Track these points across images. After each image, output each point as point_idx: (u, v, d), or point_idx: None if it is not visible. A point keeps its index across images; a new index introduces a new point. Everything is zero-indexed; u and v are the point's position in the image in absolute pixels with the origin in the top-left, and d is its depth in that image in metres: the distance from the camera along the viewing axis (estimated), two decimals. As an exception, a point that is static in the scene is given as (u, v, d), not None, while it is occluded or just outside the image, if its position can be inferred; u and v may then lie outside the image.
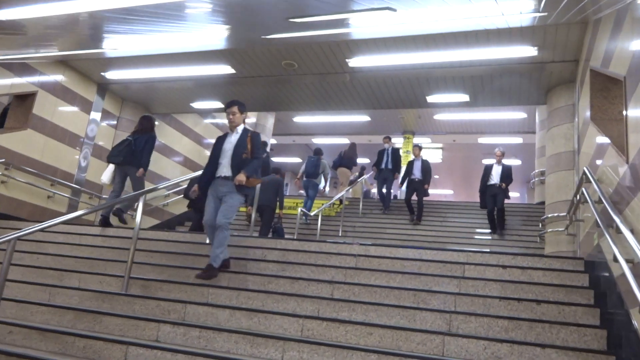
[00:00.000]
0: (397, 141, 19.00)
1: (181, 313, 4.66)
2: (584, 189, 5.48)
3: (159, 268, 5.71)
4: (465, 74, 8.24)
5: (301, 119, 18.37)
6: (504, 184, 9.98)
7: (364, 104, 10.03)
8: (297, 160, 22.99)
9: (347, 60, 8.30)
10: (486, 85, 8.60)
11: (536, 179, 13.25)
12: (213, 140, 6.25)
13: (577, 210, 6.53)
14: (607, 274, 4.62)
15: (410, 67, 8.29)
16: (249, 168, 5.40)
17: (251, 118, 16.28)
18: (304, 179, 11.87)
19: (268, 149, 12.84)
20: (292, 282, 5.19)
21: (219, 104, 11.05)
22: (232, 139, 5.60)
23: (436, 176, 23.62)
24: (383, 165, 11.95)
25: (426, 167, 11.27)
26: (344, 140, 19.52)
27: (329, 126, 18.74)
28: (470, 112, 15.80)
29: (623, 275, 3.95)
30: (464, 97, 9.14)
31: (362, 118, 17.52)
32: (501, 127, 16.73)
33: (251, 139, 5.57)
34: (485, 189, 10.24)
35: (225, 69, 9.11)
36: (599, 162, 5.46)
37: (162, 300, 4.79)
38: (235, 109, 5.65)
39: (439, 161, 20.80)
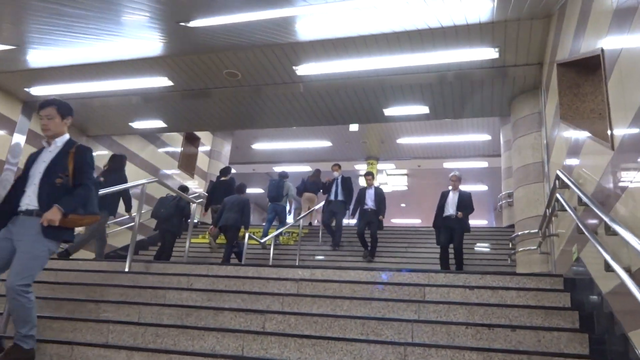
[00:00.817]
0: (361, 167, 18.36)
1: (66, 358, 3.63)
2: (558, 195, 4.74)
3: (54, 303, 4.66)
4: (423, 81, 7.58)
5: (260, 145, 17.56)
6: (460, 213, 8.08)
7: (318, 119, 9.27)
8: (259, 190, 22.03)
9: (294, 67, 7.55)
10: (446, 94, 7.95)
11: (503, 201, 12.64)
12: (164, 168, 5.20)
13: (550, 224, 5.79)
14: (592, 292, 3.82)
15: (364, 75, 7.59)
16: (68, 201, 3.57)
17: (205, 145, 15.38)
18: (269, 203, 11.28)
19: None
20: (215, 314, 4.21)
21: (160, 124, 10.11)
22: (46, 157, 3.76)
23: (402, 204, 22.99)
24: (332, 196, 10.26)
25: (380, 196, 9.50)
26: (306, 168, 18.73)
27: (290, 153, 17.98)
28: (434, 135, 15.33)
29: (617, 289, 3.16)
30: (423, 109, 8.47)
31: (324, 144, 16.84)
32: (466, 150, 16.27)
33: (76, 155, 3.75)
34: (441, 222, 8.27)
35: (162, 81, 8.25)
36: (572, 163, 4.75)
37: (46, 342, 3.75)
38: (51, 110, 3.80)
39: (405, 188, 20.18)
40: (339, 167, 10.79)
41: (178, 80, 8.24)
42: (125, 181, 7.31)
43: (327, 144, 16.74)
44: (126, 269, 5.74)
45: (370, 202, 9.41)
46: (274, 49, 7.17)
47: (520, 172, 7.34)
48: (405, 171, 19.10)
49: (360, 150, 17.32)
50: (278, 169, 19.31)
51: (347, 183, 10.49)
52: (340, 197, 10.14)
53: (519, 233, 7.06)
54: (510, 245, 7.51)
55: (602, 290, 3.53)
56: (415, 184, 20.16)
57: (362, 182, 18.50)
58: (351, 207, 10.05)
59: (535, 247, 6.68)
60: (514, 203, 7.77)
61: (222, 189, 10.44)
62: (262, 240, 9.04)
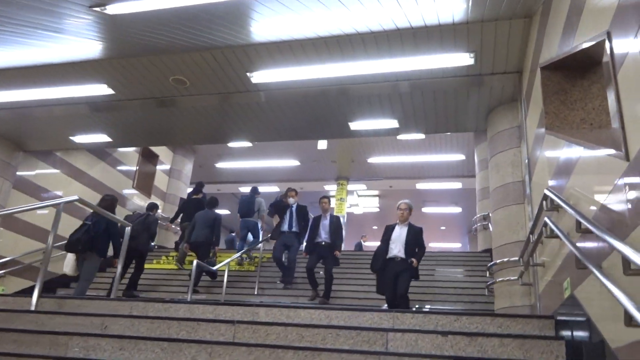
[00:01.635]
0: (331, 188, 17.57)
1: None
2: (547, 219, 3.97)
3: None
4: (391, 90, 6.83)
5: (225, 164, 16.65)
6: (415, 261, 6.38)
7: (279, 134, 8.43)
8: (225, 211, 21.00)
9: (248, 74, 6.73)
10: (417, 106, 7.21)
11: (478, 224, 11.93)
12: (117, 187, 4.29)
13: (534, 252, 5.02)
14: (594, 341, 3.02)
15: (327, 83, 6.81)
16: None
17: (164, 164, 14.39)
18: (240, 219, 11.00)
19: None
20: (121, 371, 3.28)
21: (104, 137, 9.14)
22: None
23: (374, 227, 22.22)
24: (286, 227, 8.66)
25: (336, 227, 8.01)
26: (274, 188, 17.88)
27: (256, 172, 17.11)
28: (406, 155, 14.70)
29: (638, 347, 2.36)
30: (392, 123, 7.71)
31: (292, 163, 16.04)
32: (439, 170, 15.64)
33: None
34: (384, 265, 6.57)
35: (101, 89, 7.32)
36: (563, 181, 4.00)
37: None
38: None
39: (376, 209, 19.43)
40: (296, 193, 9.25)
41: (119, 88, 7.33)
42: (113, 225, 6.79)
43: (294, 163, 15.93)
44: (32, 307, 4.74)
45: (324, 234, 7.98)
46: (224, 52, 6.35)
47: (499, 193, 6.60)
48: (376, 192, 18.38)
49: (329, 170, 16.55)
50: (244, 189, 18.40)
51: (303, 212, 9.04)
52: (294, 228, 8.63)
53: (498, 261, 6.28)
54: (488, 274, 6.73)
55: (611, 342, 2.73)
56: (387, 206, 19.43)
57: (331, 203, 17.77)
58: (305, 240, 8.64)
59: (515, 278, 5.90)
60: (492, 227, 7.00)
61: (194, 207, 10.09)
62: (214, 269, 8.08)
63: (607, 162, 2.79)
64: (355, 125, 7.85)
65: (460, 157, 14.40)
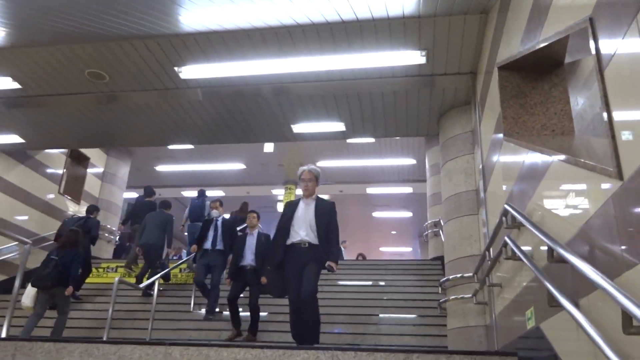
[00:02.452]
0: (279, 192, 16.90)
1: None
2: (508, 240, 3.45)
3: None
4: (337, 91, 6.24)
5: (165, 167, 15.67)
6: (333, 266, 4.79)
7: (215, 137, 7.68)
8: (168, 217, 19.89)
9: (176, 68, 5.97)
10: (365, 109, 6.65)
11: (429, 231, 11.55)
12: (40, 193, 3.48)
13: (491, 271, 4.53)
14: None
15: (265, 81, 6.14)
16: None
17: (96, 167, 13.29)
18: (189, 223, 10.48)
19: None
20: None
21: (16, 139, 8.11)
22: None
23: (325, 232, 21.66)
24: (209, 245, 7.20)
25: (266, 246, 6.43)
26: (219, 193, 17.03)
27: (199, 176, 16.21)
28: (355, 158, 14.23)
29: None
30: (339, 126, 7.12)
31: (237, 166, 15.27)
32: (390, 175, 15.27)
33: None
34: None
35: (6, 83, 6.37)
36: (524, 195, 3.49)
37: None
38: None
39: (327, 215, 18.86)
40: (221, 204, 7.76)
41: (27, 82, 6.40)
42: (80, 259, 6.55)
43: (240, 166, 15.17)
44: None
45: (249, 256, 6.52)
46: (146, 42, 5.57)
47: (451, 202, 6.11)
48: (326, 197, 17.75)
49: (277, 174, 15.87)
50: (188, 193, 17.46)
51: (231, 228, 7.55)
52: (219, 246, 7.18)
53: (450, 277, 5.78)
54: (440, 290, 6.22)
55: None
56: (337, 210, 18.86)
57: (280, 208, 17.07)
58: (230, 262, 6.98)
59: (470, 296, 5.42)
60: (443, 238, 6.51)
61: (146, 210, 9.54)
62: (142, 285, 7.24)
63: (588, 177, 2.26)
64: (298, 128, 7.21)
65: (411, 161, 14.07)
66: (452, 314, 5.81)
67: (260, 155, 14.27)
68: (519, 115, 4.17)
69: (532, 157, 3.25)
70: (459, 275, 5.66)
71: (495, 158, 4.67)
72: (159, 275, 7.21)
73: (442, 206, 6.39)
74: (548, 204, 2.95)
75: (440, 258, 10.56)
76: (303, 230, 4.81)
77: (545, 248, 2.68)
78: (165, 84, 6.32)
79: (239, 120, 7.05)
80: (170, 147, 13.70)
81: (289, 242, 4.82)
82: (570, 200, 2.57)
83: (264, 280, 5.78)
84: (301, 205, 5.04)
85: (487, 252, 4.45)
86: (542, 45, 3.47)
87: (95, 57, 5.86)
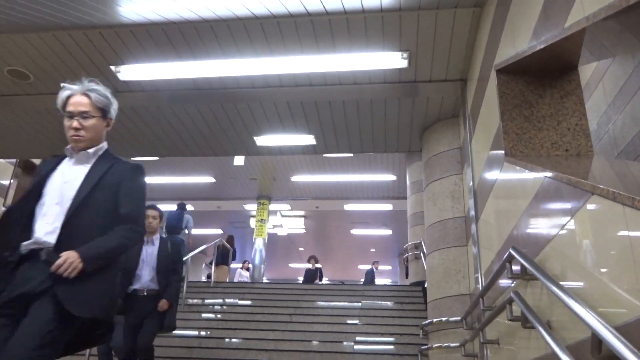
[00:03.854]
0: (251, 208, 15.92)
1: None
2: (515, 298, 2.56)
3: None
4: (305, 99, 5.35)
5: (129, 179, 14.54)
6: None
7: (166, 149, 6.71)
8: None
9: (113, 68, 5.03)
10: (338, 120, 5.77)
11: (410, 253, 10.69)
12: None
13: (487, 324, 3.63)
14: None
15: (219, 84, 5.23)
16: None
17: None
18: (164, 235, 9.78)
19: None
20: None
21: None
22: None
23: (301, 248, 20.72)
24: (138, 283, 4.45)
25: (172, 257, 4.58)
26: (188, 207, 15.91)
27: (166, 189, 15.13)
28: (332, 174, 13.36)
29: None
30: (308, 139, 6.22)
31: (206, 179, 14.23)
32: (368, 191, 14.43)
33: None
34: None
35: None
36: (541, 237, 2.62)
37: None
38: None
39: (302, 231, 17.92)
40: (160, 215, 4.77)
41: (-63, 81, 5.38)
42: None
43: (209, 179, 14.15)
44: None
45: (146, 276, 4.40)
46: (74, 37, 4.62)
47: (436, 230, 5.23)
48: (302, 212, 16.87)
49: (249, 188, 14.89)
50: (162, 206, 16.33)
51: (176, 250, 4.71)
52: (152, 284, 4.43)
53: (434, 320, 4.89)
54: (421, 334, 5.32)
55: None
56: (314, 227, 18.00)
57: (253, 223, 16.12)
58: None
59: (457, 345, 4.53)
60: (427, 272, 5.62)
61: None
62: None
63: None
64: (262, 141, 6.28)
65: (391, 177, 13.26)
66: (435, 363, 4.91)
67: (230, 168, 13.31)
68: (523, 130, 3.33)
69: (553, 187, 2.38)
70: (443, 319, 4.77)
71: (491, 181, 3.81)
72: None
73: (425, 234, 5.51)
74: (578, 257, 2.08)
75: (421, 283, 9.72)
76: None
77: (584, 335, 1.79)
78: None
79: (192, 131, 6.10)
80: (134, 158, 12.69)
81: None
82: (622, 259, 1.70)
83: (164, 305, 4.31)
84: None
85: (481, 300, 3.57)
86: (551, 42, 2.64)
87: (16, 53, 4.89)
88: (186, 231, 10.63)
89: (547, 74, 3.42)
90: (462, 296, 4.75)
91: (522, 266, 2.51)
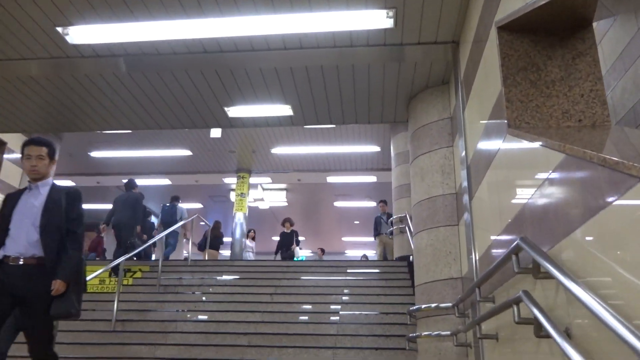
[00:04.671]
0: (231, 181, 15.40)
1: None
2: (525, 299, 2.13)
3: None
4: (280, 64, 4.80)
5: (102, 153, 13.90)
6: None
7: (130, 122, 6.13)
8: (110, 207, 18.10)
9: (60, 30, 4.41)
10: (316, 87, 5.24)
11: (394, 227, 10.33)
12: None
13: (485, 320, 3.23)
14: None
15: (183, 48, 4.65)
16: None
17: (16, 152, 11.45)
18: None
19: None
20: None
21: None
22: None
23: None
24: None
25: (69, 211, 3.27)
26: (165, 181, 15.43)
27: (141, 163, 14.52)
28: (314, 145, 12.86)
29: None
30: (285, 110, 5.69)
31: (182, 152, 13.63)
32: (352, 163, 13.99)
33: None
34: None
35: None
36: (557, 228, 2.17)
37: None
38: None
39: (284, 204, 17.49)
40: (51, 156, 3.39)
41: None
42: None
43: (186, 152, 13.55)
44: None
45: (22, 236, 3.14)
46: (9, -9, 4.00)
47: (424, 208, 4.80)
48: (283, 185, 16.40)
49: (228, 161, 14.34)
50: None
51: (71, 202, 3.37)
52: (36, 251, 3.19)
53: (422, 306, 4.49)
54: (410, 321, 4.93)
55: None
56: (296, 200, 17.57)
57: (233, 197, 15.60)
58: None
59: (448, 333, 4.16)
60: (414, 253, 5.20)
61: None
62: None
63: None
64: (234, 112, 5.74)
65: (375, 148, 12.82)
66: (423, 353, 4.54)
67: (207, 141, 12.72)
68: (529, 98, 2.86)
69: (578, 167, 1.92)
70: (433, 305, 4.37)
71: (489, 155, 3.36)
72: (127, 255, 7.41)
73: (412, 212, 5.07)
74: (613, 256, 1.64)
75: (406, 258, 9.39)
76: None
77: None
78: (50, 51, 4.74)
79: (156, 102, 5.53)
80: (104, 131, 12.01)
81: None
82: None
83: (60, 287, 3.08)
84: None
85: (477, 290, 3.16)
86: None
87: (-57, 11, 4.25)
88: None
89: (557, 31, 2.95)
90: (453, 280, 4.36)
91: (535, 263, 2.07)
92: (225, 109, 5.66)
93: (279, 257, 12.69)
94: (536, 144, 2.35)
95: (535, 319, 2.02)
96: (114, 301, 6.83)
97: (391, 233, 10.37)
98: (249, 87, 5.22)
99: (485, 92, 3.41)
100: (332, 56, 4.64)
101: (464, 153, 4.13)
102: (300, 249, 14.02)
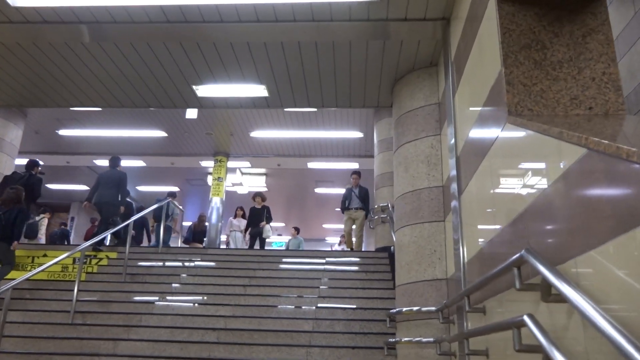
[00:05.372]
0: (208, 165, 14.86)
1: None
2: (530, 323, 1.73)
3: None
4: (252, 39, 4.32)
5: (71, 132, 13.24)
6: None
7: (89, 99, 5.59)
8: (82, 187, 17.50)
9: (1, -9, 3.87)
10: (293, 66, 4.77)
11: (376, 217, 9.97)
12: None
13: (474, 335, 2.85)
14: None
15: (142, 16, 4.13)
16: None
17: (-23, 128, 10.76)
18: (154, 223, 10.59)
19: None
20: None
21: None
22: None
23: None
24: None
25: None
26: (139, 163, 14.85)
27: (114, 143, 13.89)
28: (295, 129, 12.41)
29: None
30: (259, 90, 5.21)
31: (157, 134, 13.05)
32: (333, 149, 13.58)
33: None
34: None
35: None
36: (572, 240, 1.77)
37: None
38: None
39: (264, 189, 17.02)
40: None
41: None
42: (25, 215, 6.92)
43: (160, 134, 12.98)
44: None
45: None
46: None
47: (408, 202, 4.39)
48: (263, 170, 15.91)
49: (206, 144, 13.80)
50: (101, 162, 15.10)
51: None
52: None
53: (403, 309, 4.11)
54: (388, 323, 4.56)
55: None
56: (276, 185, 17.10)
57: (210, 181, 15.07)
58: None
59: (431, 340, 3.79)
60: (395, 250, 4.81)
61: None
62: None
63: None
64: (203, 91, 5.24)
65: (358, 134, 12.41)
66: (403, 359, 4.17)
67: (182, 121, 12.16)
68: (533, 80, 2.45)
69: (604, 167, 1.51)
70: (415, 309, 3.99)
71: (483, 145, 2.95)
72: (108, 232, 7.86)
73: (395, 206, 4.67)
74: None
75: (387, 249, 9.05)
76: None
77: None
78: (7, 15, 4.19)
79: (117, 78, 5.00)
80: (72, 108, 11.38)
81: None
82: None
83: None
84: None
85: (465, 299, 2.77)
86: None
87: None
88: (171, 218, 10.93)
89: (565, 4, 2.54)
90: (437, 281, 3.98)
91: (545, 283, 1.67)
92: (194, 87, 5.16)
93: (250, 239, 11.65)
94: (547, 135, 1.94)
95: (542, 347, 1.62)
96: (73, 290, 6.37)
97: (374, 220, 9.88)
98: (218, 64, 4.73)
99: (480, 74, 2.99)
100: (310, 31, 4.17)
101: (453, 142, 3.73)
102: (275, 234, 13.43)
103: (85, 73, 5.04)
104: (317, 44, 4.34)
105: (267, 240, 11.55)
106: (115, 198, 8.44)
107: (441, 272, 4.01)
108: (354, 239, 10.23)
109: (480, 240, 3.00)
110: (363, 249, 12.07)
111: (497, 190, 2.67)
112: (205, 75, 4.95)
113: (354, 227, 10.28)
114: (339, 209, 19.86)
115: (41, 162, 14.31)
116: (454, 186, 3.70)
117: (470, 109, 3.26)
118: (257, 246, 11.53)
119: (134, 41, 4.38)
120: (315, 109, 10.75)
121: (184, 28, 4.16)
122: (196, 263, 8.58)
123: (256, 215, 11.59)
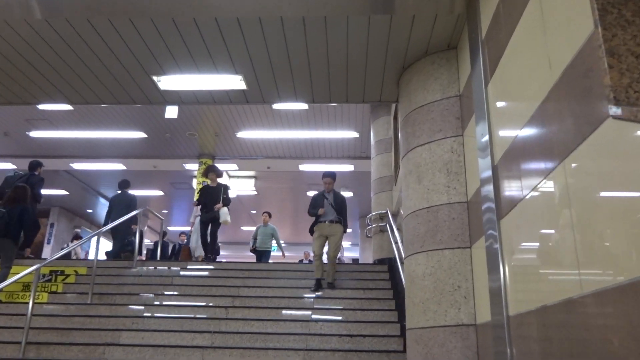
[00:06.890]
0: (193, 167, 13.89)
1: None
2: None
3: None
4: (222, 14, 3.35)
5: (43, 133, 12.21)
6: None
7: (46, 95, 4.60)
8: (61, 192, 16.47)
9: None
10: (275, 51, 3.80)
11: (373, 225, 9.05)
12: None
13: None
14: None
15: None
16: None
17: None
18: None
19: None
20: None
21: None
22: None
23: (253, 211, 18.88)
24: None
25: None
26: (119, 166, 13.85)
27: (90, 145, 12.93)
28: (285, 129, 11.48)
29: None
30: (235, 82, 4.23)
31: (135, 135, 12.07)
32: (327, 150, 12.71)
33: None
34: None
35: None
36: None
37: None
38: None
39: (254, 192, 16.03)
40: None
41: None
42: (30, 214, 6.69)
43: (139, 135, 12.00)
44: None
45: None
46: None
47: (421, 222, 3.44)
48: (252, 173, 14.93)
49: (189, 146, 12.83)
50: (79, 166, 14.06)
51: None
52: None
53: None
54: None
55: None
56: (266, 188, 16.14)
57: (195, 184, 14.11)
58: None
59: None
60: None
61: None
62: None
63: None
64: (166, 83, 4.25)
65: (353, 134, 11.51)
66: None
67: (162, 121, 11.18)
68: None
69: None
70: (434, 365, 3.04)
71: (551, 152, 2.00)
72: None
73: (404, 225, 3.71)
74: None
75: (386, 261, 8.15)
76: None
77: None
78: None
79: (57, 66, 4.00)
80: (41, 107, 10.40)
81: None
82: None
83: None
84: None
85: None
86: None
87: None
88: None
89: None
90: (463, 328, 3.03)
91: None
92: (155, 78, 4.17)
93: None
94: None
95: None
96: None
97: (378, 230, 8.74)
98: (182, 48, 3.76)
99: (541, 48, 2.04)
100: (295, 6, 3.20)
101: (487, 146, 2.77)
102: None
103: (4, 57, 4.05)
104: (304, 19, 3.37)
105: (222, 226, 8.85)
106: (127, 219, 8.64)
107: (467, 315, 3.06)
108: (325, 261, 7.25)
109: (529, 275, 2.06)
110: (360, 262, 11.09)
111: (582, 217, 1.72)
112: (167, 64, 3.97)
113: (325, 248, 7.28)
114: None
115: (11, 166, 13.34)
116: (487, 204, 2.74)
117: (518, 100, 2.31)
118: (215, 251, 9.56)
119: (71, 18, 3.40)
120: (305, 106, 9.80)
121: (138, 4, 3.18)
122: (174, 280, 7.60)
123: (210, 195, 8.68)
